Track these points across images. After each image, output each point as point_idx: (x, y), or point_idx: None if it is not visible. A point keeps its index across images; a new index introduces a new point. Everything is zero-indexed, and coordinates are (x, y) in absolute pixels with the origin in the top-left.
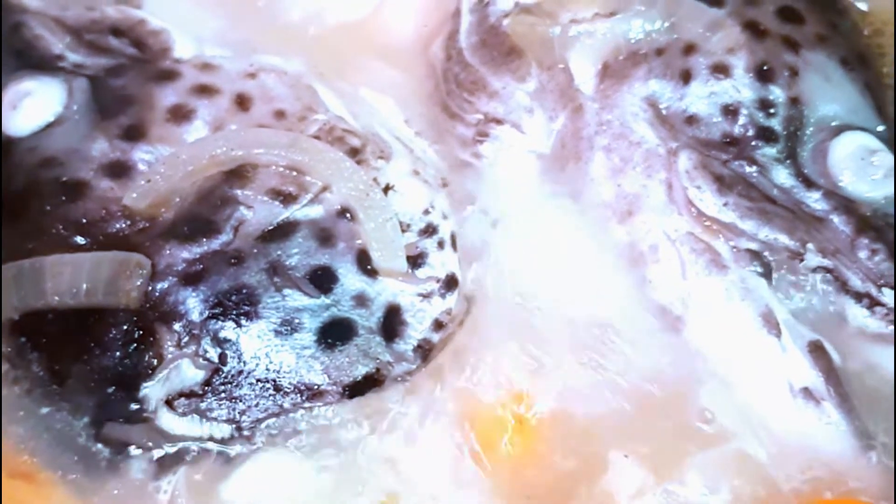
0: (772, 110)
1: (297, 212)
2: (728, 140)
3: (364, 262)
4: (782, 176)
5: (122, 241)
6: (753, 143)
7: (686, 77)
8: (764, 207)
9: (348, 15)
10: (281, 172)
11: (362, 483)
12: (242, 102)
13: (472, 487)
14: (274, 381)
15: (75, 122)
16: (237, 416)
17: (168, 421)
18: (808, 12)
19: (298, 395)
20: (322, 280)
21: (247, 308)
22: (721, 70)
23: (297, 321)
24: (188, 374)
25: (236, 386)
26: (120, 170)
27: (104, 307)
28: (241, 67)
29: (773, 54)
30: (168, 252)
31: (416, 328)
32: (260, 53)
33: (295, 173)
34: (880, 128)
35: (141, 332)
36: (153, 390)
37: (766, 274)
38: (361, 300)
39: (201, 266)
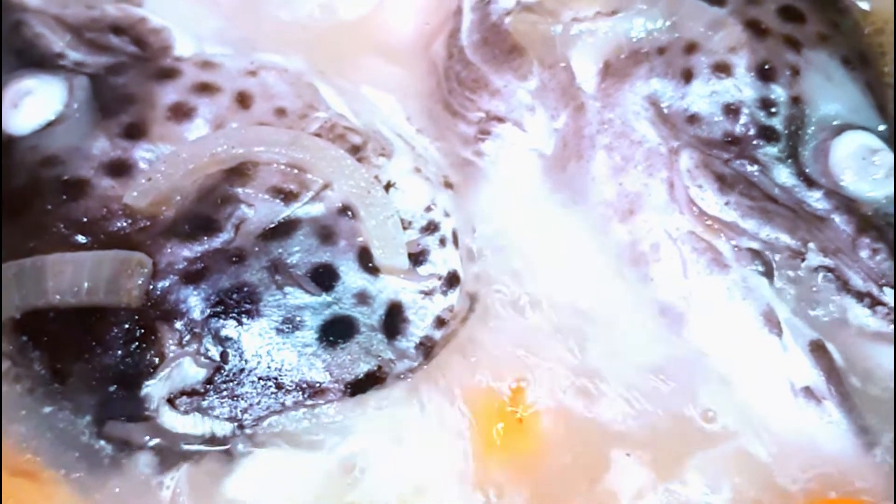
0: (773, 109)
1: (299, 210)
2: (729, 139)
3: (365, 260)
4: (783, 175)
5: (124, 240)
6: (755, 142)
7: (688, 76)
8: (765, 206)
9: (349, 12)
10: (282, 170)
11: (364, 481)
12: (243, 100)
13: (472, 485)
14: (275, 378)
15: (76, 121)
16: (239, 414)
17: (170, 419)
18: (809, 11)
19: (300, 392)
20: (323, 278)
21: (248, 306)
22: (722, 69)
23: (298, 319)
24: (190, 372)
25: (238, 384)
26: (121, 168)
27: (106, 306)
28: (241, 65)
29: (774, 53)
30: (169, 250)
31: (418, 325)
32: (260, 51)
33: (296, 171)
34: (881, 127)
35: (142, 331)
36: (155, 388)
37: (768, 273)
38: (363, 298)
39: (202, 264)
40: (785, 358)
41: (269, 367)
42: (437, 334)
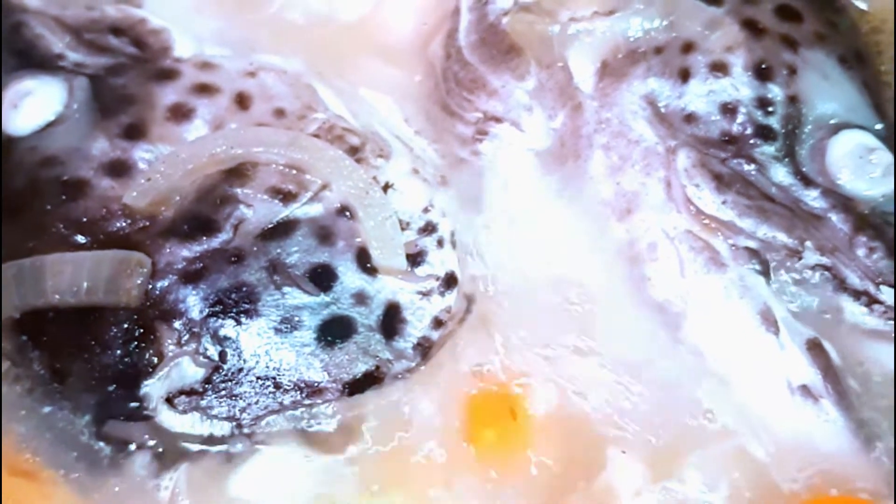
0: (770, 108)
1: (297, 210)
2: (727, 138)
3: (364, 260)
4: (781, 174)
5: (123, 240)
6: (752, 141)
7: (685, 75)
8: (762, 205)
9: (347, 14)
10: (281, 171)
11: (363, 480)
12: (242, 101)
13: (470, 482)
14: (274, 378)
15: (76, 122)
16: (237, 413)
17: (169, 418)
18: (806, 11)
19: (298, 392)
20: (322, 278)
21: (247, 306)
22: (720, 68)
23: (296, 319)
24: (189, 371)
25: (236, 383)
26: (120, 169)
27: (105, 306)
28: (240, 66)
29: (771, 53)
30: (168, 250)
31: (416, 326)
32: (259, 52)
33: (294, 172)
34: (878, 126)
35: (141, 331)
36: (154, 388)
37: (765, 272)
38: (361, 298)
39: (201, 264)
40: (782, 356)
41: (267, 367)
42: (435, 335)
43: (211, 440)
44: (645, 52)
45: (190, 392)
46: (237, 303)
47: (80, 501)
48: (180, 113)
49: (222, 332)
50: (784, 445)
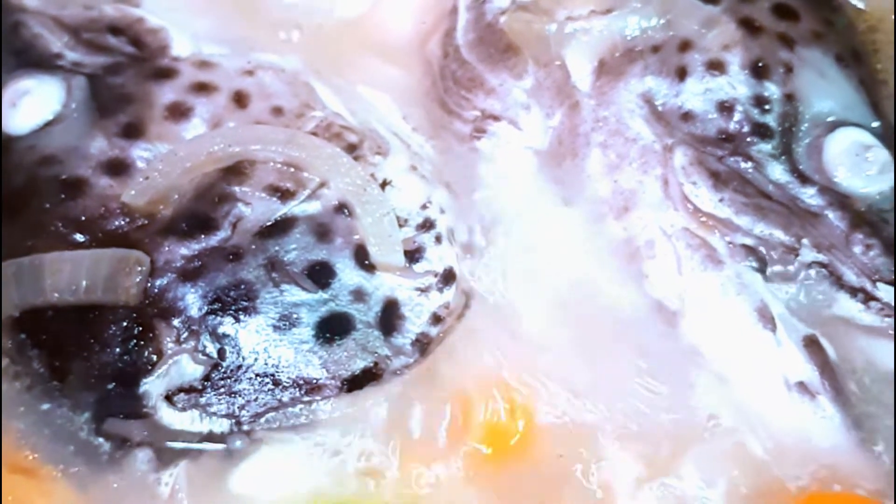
0: (767, 107)
1: (295, 208)
2: (723, 136)
3: (362, 257)
4: (777, 172)
5: (121, 239)
6: (749, 139)
7: (682, 74)
8: (759, 203)
9: (345, 12)
10: (278, 169)
11: (362, 476)
12: (240, 100)
13: (468, 479)
14: (273, 375)
15: (74, 121)
16: (236, 410)
17: (168, 416)
18: (803, 9)
19: (297, 389)
20: (320, 275)
21: (245, 303)
22: (716, 67)
23: (295, 316)
24: (187, 369)
25: (235, 381)
26: (119, 167)
27: (104, 304)
28: (238, 65)
29: (768, 51)
30: (167, 249)
31: (414, 322)
32: (257, 51)
33: (292, 169)
34: (875, 124)
35: (140, 329)
36: (153, 386)
37: (762, 269)
38: (359, 295)
39: (200, 262)
40: (779, 353)
41: (266, 364)
42: (433, 331)
43: (210, 437)
44: (642, 51)
45: (189, 389)
46: (236, 300)
47: (80, 498)
48: (178, 112)
49: (221, 330)
50: (781, 442)
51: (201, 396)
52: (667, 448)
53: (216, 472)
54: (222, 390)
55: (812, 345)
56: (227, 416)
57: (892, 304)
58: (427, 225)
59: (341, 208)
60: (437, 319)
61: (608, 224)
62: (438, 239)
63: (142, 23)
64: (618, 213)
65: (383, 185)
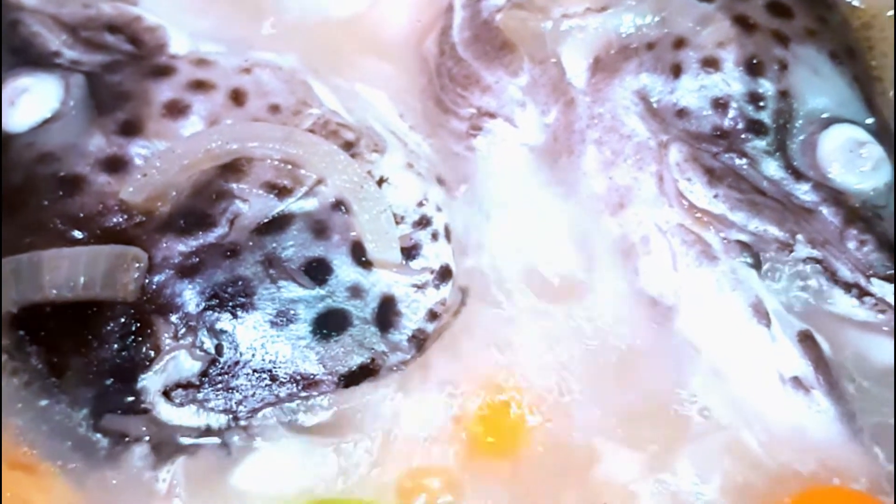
0: (761, 103)
1: (292, 204)
2: (718, 133)
3: (358, 254)
4: (772, 168)
5: (119, 235)
6: (743, 135)
7: (676, 71)
8: (754, 199)
9: (342, 11)
10: (276, 166)
11: (359, 472)
12: (237, 97)
13: (466, 475)
14: (270, 371)
15: (72, 118)
16: (234, 406)
17: (166, 412)
18: (797, 6)
19: (294, 384)
20: (317, 271)
21: (242, 300)
22: (711, 64)
23: (292, 312)
24: (185, 365)
25: (233, 376)
26: (117, 164)
27: (102, 300)
28: (235, 63)
29: (762, 48)
30: (164, 245)
31: (411, 318)
32: (254, 49)
33: (290, 166)
34: (869, 120)
35: (138, 325)
36: (151, 382)
37: (756, 265)
38: (356, 291)
39: (197, 259)
40: (774, 348)
41: (263, 360)
42: (430, 327)
43: (208, 433)
44: (637, 48)
45: (187, 385)
46: (233, 296)
47: (78, 494)
48: (176, 109)
49: (218, 326)
50: (776, 437)
51: (199, 392)
52: (662, 444)
53: (214, 467)
54: (220, 386)
55: (806, 340)
56: (225, 411)
57: (886, 299)
58: (423, 222)
59: (338, 205)
60: (433, 316)
61: (603, 220)
62: (435, 236)
63: (139, 21)
64: (613, 210)
65: (380, 182)
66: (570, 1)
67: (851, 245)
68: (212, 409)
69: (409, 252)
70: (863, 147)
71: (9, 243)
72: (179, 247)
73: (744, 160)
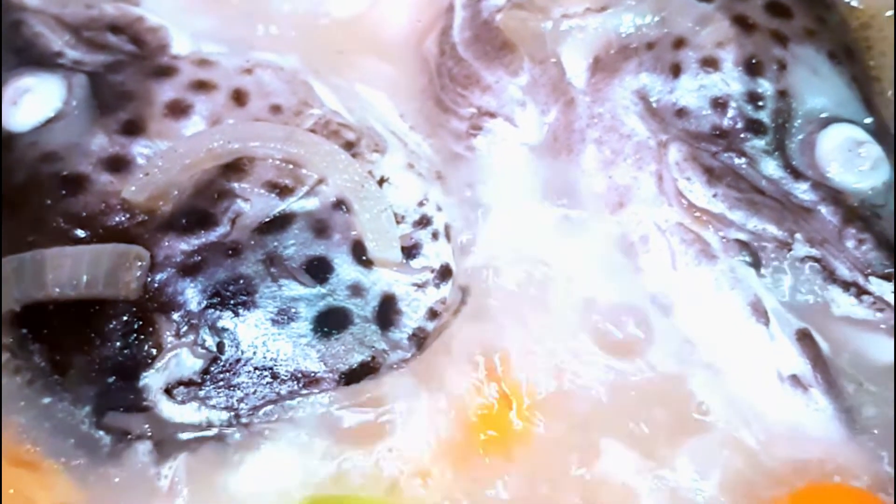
0: (760, 103)
1: (294, 204)
2: (717, 132)
3: (359, 253)
4: (771, 167)
5: (122, 234)
6: (742, 135)
7: (676, 70)
8: (752, 198)
9: (343, 11)
10: (277, 165)
11: (360, 469)
12: (239, 98)
13: (465, 472)
14: (271, 369)
15: (75, 118)
16: (235, 403)
17: (168, 409)
18: (796, 7)
19: (295, 382)
20: (318, 270)
21: (244, 298)
22: (710, 63)
23: (293, 310)
24: (187, 363)
25: (234, 374)
26: (119, 164)
27: (104, 298)
28: (237, 63)
29: (761, 48)
30: (167, 244)
31: (411, 317)
32: (256, 50)
33: (291, 166)
34: (867, 120)
35: (140, 323)
36: (153, 379)
37: (755, 264)
38: (357, 290)
39: (199, 257)
40: (772, 347)
41: (264, 358)
42: (430, 326)
43: (210, 430)
44: (637, 48)
45: (188, 383)
46: (235, 295)
47: (80, 491)
48: (178, 109)
49: (220, 324)
50: (775, 434)
51: (200, 389)
52: (661, 440)
53: (216, 464)
54: (221, 383)
55: (805, 338)
56: (226, 408)
57: (885, 297)
58: (424, 221)
59: (339, 204)
60: (433, 314)
61: (603, 219)
62: (435, 235)
63: (142, 21)
64: (613, 209)
65: (381, 182)
66: (570, 1)
67: (850, 244)
68: (213, 407)
69: (410, 251)
70: (861, 146)
71: (12, 242)
72: (181, 245)
73: (743, 159)
